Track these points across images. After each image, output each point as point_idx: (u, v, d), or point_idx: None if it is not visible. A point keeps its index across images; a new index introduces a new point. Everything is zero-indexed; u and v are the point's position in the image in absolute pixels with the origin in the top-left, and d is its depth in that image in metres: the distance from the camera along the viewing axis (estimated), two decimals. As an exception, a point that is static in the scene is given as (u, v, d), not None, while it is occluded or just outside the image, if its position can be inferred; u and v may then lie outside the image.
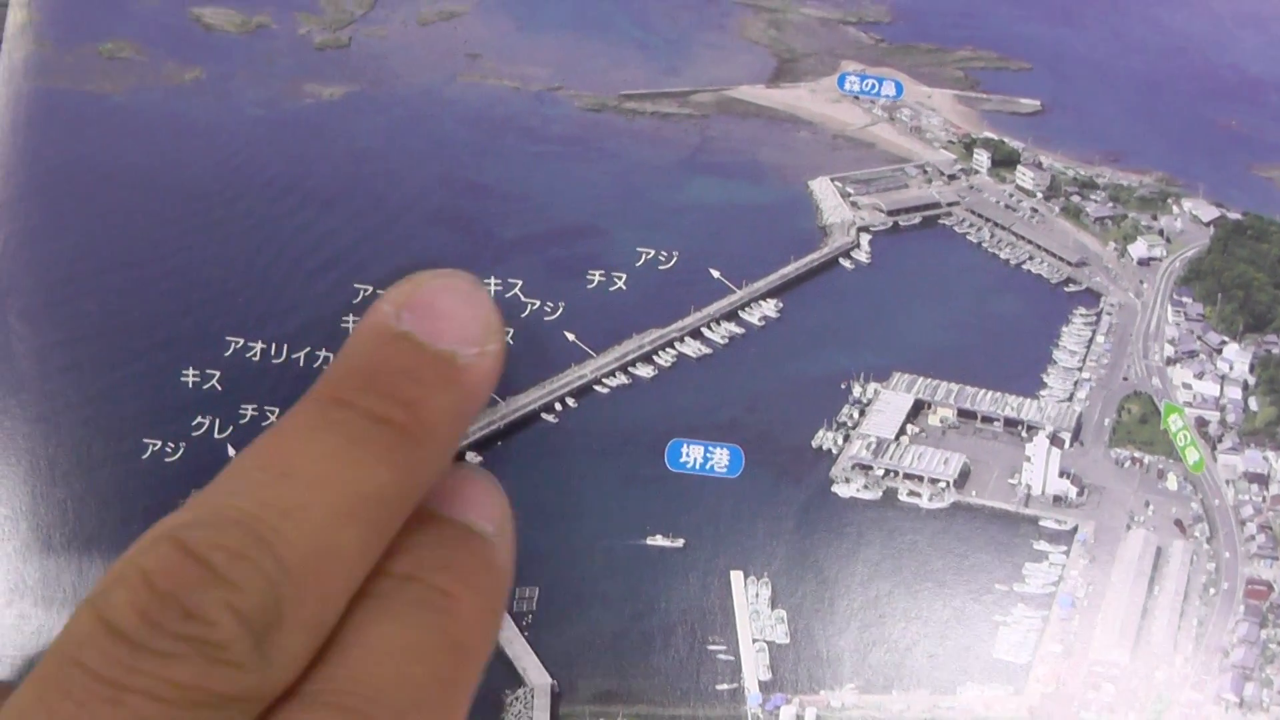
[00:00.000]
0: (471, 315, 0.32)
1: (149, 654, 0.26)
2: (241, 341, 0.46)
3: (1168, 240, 0.52)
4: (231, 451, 0.45)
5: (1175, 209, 0.52)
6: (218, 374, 0.46)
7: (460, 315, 0.32)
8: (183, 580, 0.27)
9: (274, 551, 0.28)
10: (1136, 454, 0.50)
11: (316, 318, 0.46)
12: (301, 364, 0.46)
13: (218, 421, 0.45)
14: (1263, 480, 0.50)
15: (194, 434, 0.45)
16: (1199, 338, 0.52)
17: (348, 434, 0.30)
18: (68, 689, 0.26)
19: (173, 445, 0.45)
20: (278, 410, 0.46)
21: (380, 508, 0.30)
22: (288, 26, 0.47)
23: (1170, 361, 0.51)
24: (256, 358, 0.46)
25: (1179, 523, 0.50)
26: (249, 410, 0.46)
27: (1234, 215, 0.53)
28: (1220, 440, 0.51)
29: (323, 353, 0.46)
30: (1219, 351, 0.52)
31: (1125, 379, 0.50)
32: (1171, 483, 0.50)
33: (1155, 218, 0.52)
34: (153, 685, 0.26)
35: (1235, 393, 0.51)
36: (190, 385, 0.46)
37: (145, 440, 0.45)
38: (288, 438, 0.30)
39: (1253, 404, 0.51)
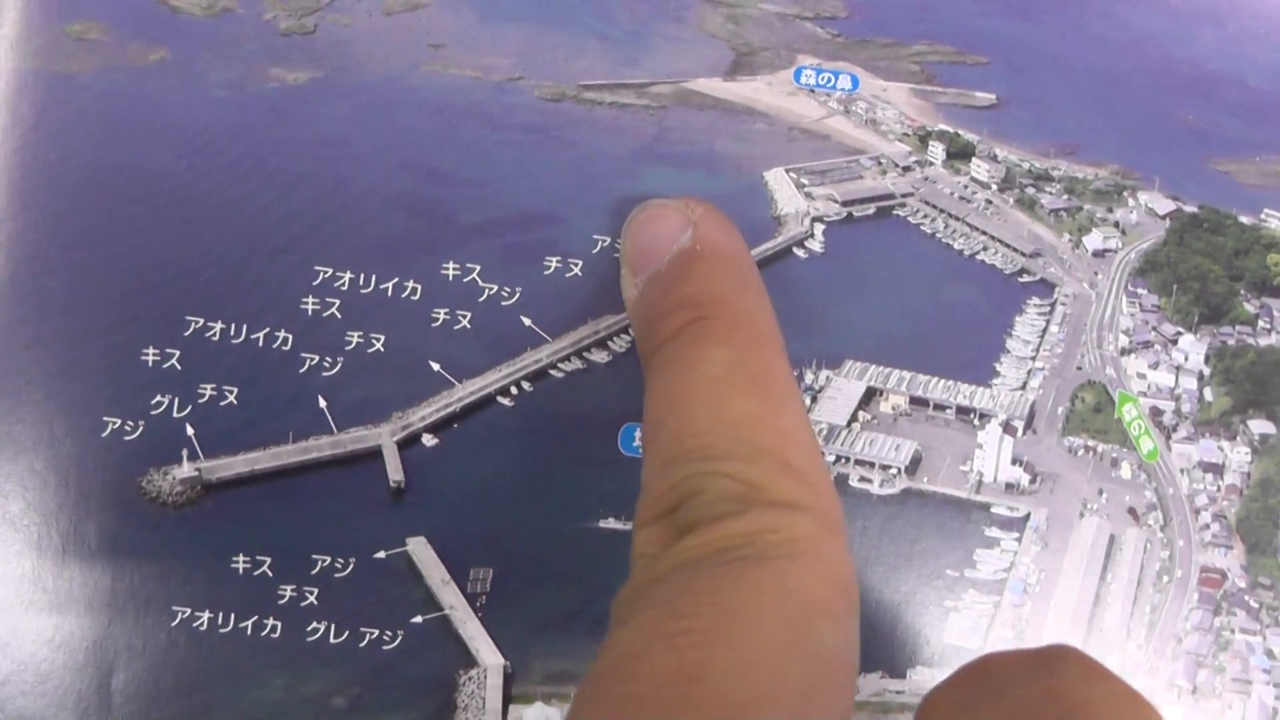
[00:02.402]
0: (662, 223, 0.40)
1: None
2: (201, 321, 0.49)
3: (1123, 232, 0.56)
4: (190, 430, 0.49)
5: (1131, 201, 0.56)
6: (177, 353, 0.49)
7: (655, 230, 0.40)
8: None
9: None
10: (1090, 442, 0.53)
11: (276, 298, 0.49)
12: (261, 344, 0.49)
13: (176, 400, 0.49)
14: (1217, 469, 0.54)
15: (153, 413, 0.49)
16: (1154, 328, 0.55)
17: (680, 349, 0.37)
18: None
19: (132, 424, 0.48)
20: (236, 389, 0.49)
21: (736, 369, 0.36)
22: (253, 10, 0.51)
23: (1125, 352, 0.55)
24: (216, 337, 0.49)
25: (1132, 511, 0.53)
26: (208, 390, 0.49)
27: (1190, 208, 0.56)
28: (1175, 430, 0.54)
29: (281, 333, 0.50)
30: (1174, 342, 0.55)
31: (1079, 368, 0.54)
32: (1125, 471, 0.53)
33: (1110, 210, 0.56)
34: None
35: (1190, 383, 0.55)
36: (150, 364, 0.49)
37: (105, 418, 0.48)
38: (666, 384, 0.37)
39: (1208, 394, 0.55)
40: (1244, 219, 0.57)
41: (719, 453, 0.33)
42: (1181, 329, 0.55)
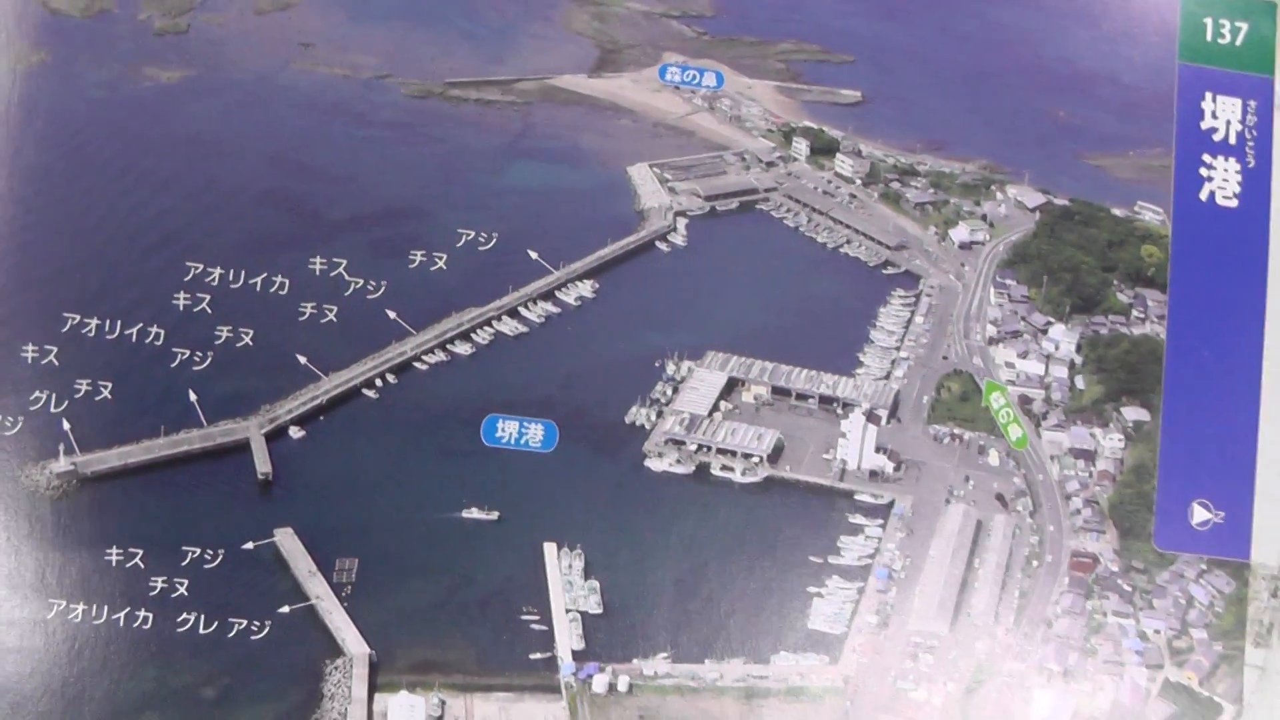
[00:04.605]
0: None
1: None
2: (78, 318, 0.49)
3: (991, 225, 0.55)
4: (66, 425, 0.48)
5: (999, 195, 0.56)
6: (55, 349, 0.49)
7: None
8: None
9: None
10: (956, 430, 0.53)
11: (149, 295, 0.50)
12: (134, 339, 0.49)
13: (54, 396, 0.49)
14: (1089, 456, 0.54)
15: (31, 408, 0.49)
16: (1023, 318, 0.55)
17: None
18: None
19: (11, 419, 0.48)
20: (110, 385, 0.49)
21: None
22: (129, 11, 0.51)
23: (992, 341, 0.55)
24: (91, 334, 0.49)
25: (1000, 497, 0.53)
26: (83, 385, 0.49)
27: (1061, 201, 0.56)
28: (1045, 417, 0.54)
29: (154, 329, 0.50)
30: (1044, 332, 0.55)
31: (945, 358, 0.54)
32: (993, 458, 0.53)
33: (978, 204, 0.56)
34: None
35: (1061, 371, 0.55)
36: (29, 360, 0.49)
37: (-15, 415, 0.48)
38: None
39: (1079, 382, 0.55)
40: (1117, 211, 0.57)
41: None
42: (1052, 319, 0.55)
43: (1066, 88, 0.57)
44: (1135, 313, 0.56)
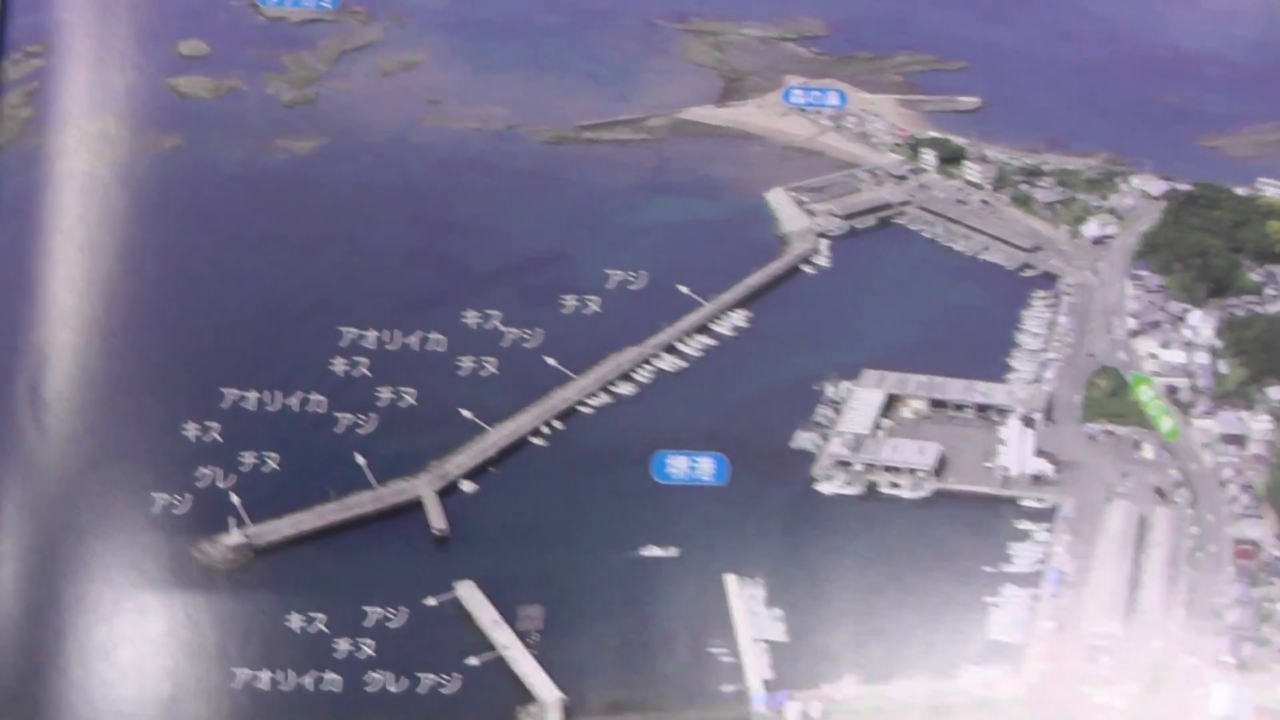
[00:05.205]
0: None
1: None
2: (237, 392, 0.49)
3: (1119, 218, 0.55)
4: (235, 499, 0.49)
5: (1123, 187, 0.56)
6: (217, 426, 0.49)
7: None
8: None
9: None
10: (1110, 427, 0.53)
11: (305, 362, 0.50)
12: (296, 408, 0.49)
13: (220, 472, 0.49)
14: (1240, 441, 0.53)
15: (198, 485, 0.49)
16: (1161, 308, 0.55)
17: None
18: None
19: (179, 497, 0.49)
20: (277, 455, 0.49)
21: None
22: (257, 87, 0.52)
23: (1134, 334, 0.55)
24: (252, 407, 0.50)
25: (1159, 490, 0.53)
26: (248, 458, 0.49)
27: (1184, 187, 0.56)
28: (1193, 406, 0.54)
29: (314, 396, 0.50)
30: (1182, 319, 0.55)
31: (1091, 355, 0.54)
32: (1148, 452, 0.53)
33: (1104, 197, 0.56)
34: None
35: (1203, 358, 0.54)
36: (192, 439, 0.49)
37: (154, 494, 0.49)
38: None
39: (1222, 367, 0.54)
40: (1239, 190, 0.57)
41: None
42: (1188, 305, 0.55)
43: (1174, 72, 0.57)
44: (1268, 290, 0.55)
